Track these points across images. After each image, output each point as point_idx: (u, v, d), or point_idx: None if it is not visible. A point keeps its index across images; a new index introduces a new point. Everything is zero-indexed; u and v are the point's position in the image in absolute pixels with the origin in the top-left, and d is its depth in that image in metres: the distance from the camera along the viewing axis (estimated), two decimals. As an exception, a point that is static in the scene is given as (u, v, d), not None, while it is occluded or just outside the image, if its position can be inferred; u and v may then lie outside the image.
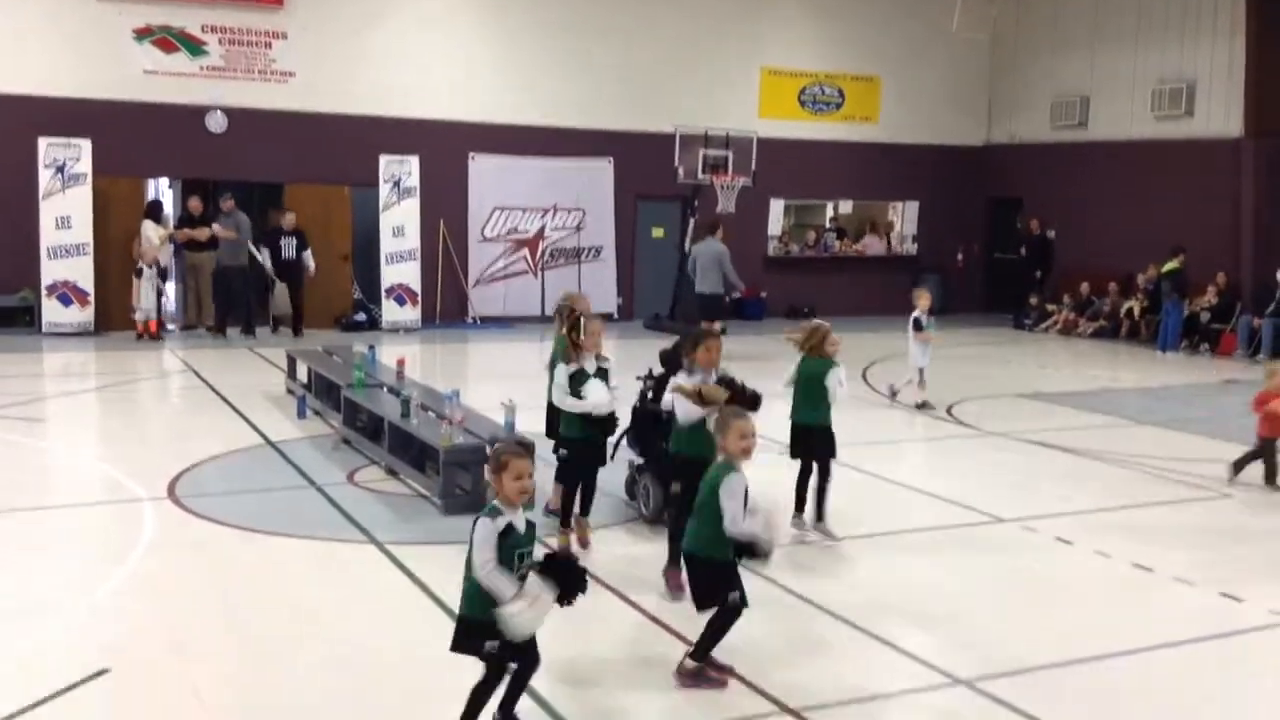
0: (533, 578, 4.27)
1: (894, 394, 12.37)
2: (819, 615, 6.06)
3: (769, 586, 6.44)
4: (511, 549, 4.26)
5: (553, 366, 7.16)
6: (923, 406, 11.99)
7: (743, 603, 5.14)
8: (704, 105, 19.03)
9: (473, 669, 4.59)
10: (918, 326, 12.00)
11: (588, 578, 4.43)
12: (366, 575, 6.58)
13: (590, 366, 6.89)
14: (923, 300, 12.24)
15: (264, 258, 16.56)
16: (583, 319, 6.90)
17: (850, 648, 5.70)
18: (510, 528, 4.28)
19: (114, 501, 8.02)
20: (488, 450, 7.83)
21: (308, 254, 16.53)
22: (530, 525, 4.41)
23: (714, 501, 5.07)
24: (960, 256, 22.09)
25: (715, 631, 5.14)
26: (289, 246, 16.53)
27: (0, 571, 6.49)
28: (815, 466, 7.42)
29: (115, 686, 5.00)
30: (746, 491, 5.09)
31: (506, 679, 4.46)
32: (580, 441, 6.89)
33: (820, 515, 7.44)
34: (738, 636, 5.76)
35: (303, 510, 7.78)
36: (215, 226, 16.20)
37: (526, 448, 4.58)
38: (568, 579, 4.32)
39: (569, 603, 4.36)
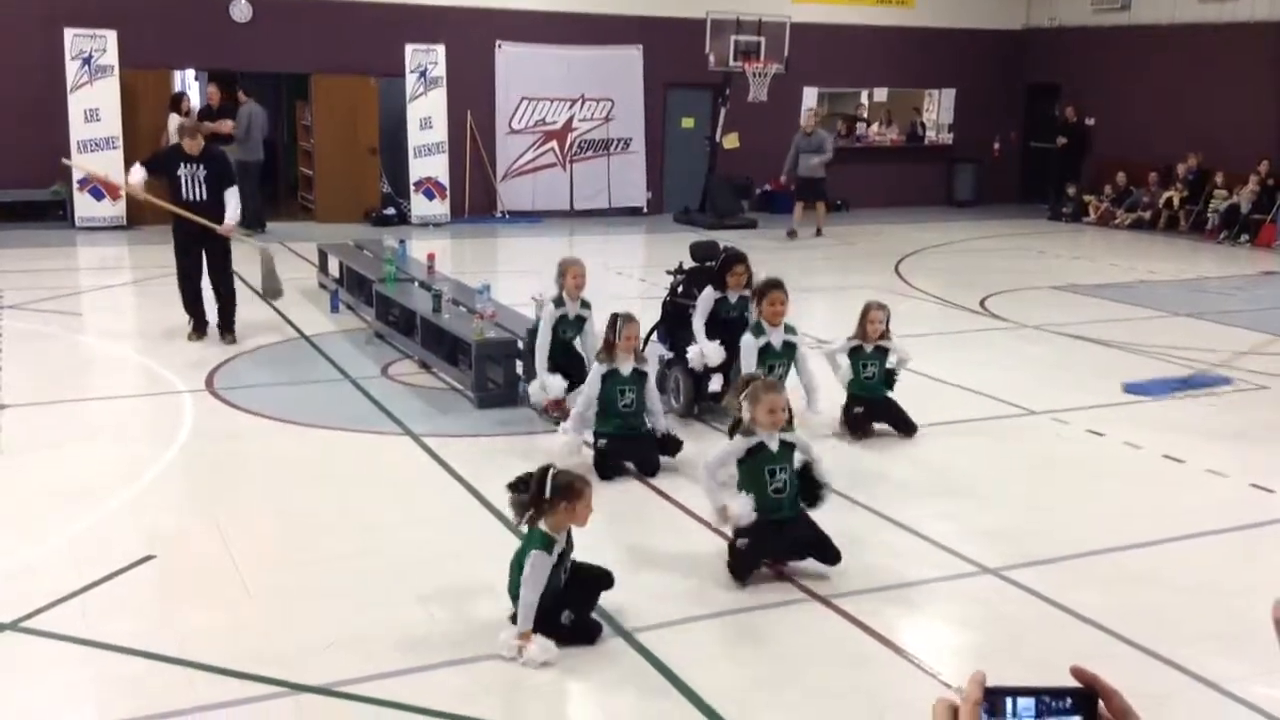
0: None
1: None
2: (847, 505, 6.12)
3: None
4: (556, 567, 4.47)
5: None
6: None
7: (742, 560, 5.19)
8: (736, -12, 18.52)
9: (502, 558, 4.69)
10: None
11: None
12: (402, 466, 6.70)
13: (626, 369, 6.44)
14: None
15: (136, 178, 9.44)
16: (619, 320, 6.44)
17: (878, 537, 5.76)
18: (555, 549, 4.47)
19: (153, 393, 8.15)
20: (519, 345, 7.89)
21: (231, 194, 9.32)
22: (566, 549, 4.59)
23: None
24: (997, 146, 21.65)
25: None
26: (192, 181, 9.19)
27: (45, 461, 6.64)
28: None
29: (161, 572, 5.16)
30: (762, 452, 5.18)
31: None
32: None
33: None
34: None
35: (338, 403, 7.89)
36: (229, 121, 15.63)
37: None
38: None
39: None
